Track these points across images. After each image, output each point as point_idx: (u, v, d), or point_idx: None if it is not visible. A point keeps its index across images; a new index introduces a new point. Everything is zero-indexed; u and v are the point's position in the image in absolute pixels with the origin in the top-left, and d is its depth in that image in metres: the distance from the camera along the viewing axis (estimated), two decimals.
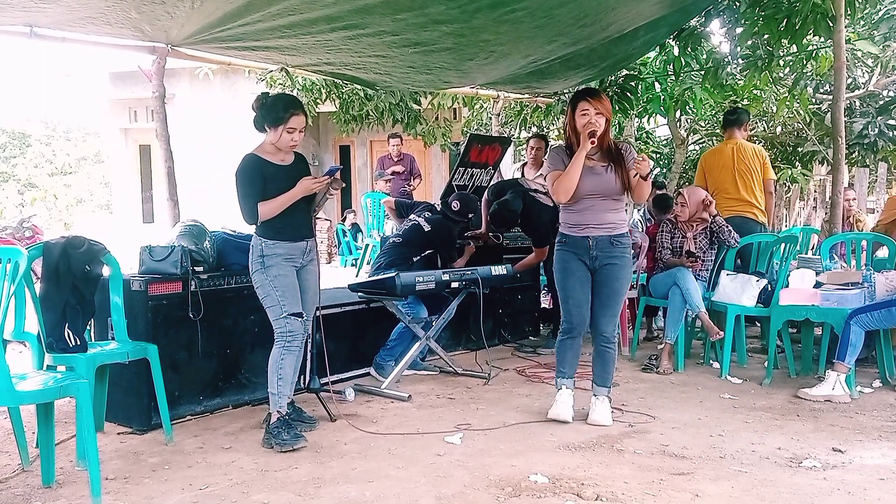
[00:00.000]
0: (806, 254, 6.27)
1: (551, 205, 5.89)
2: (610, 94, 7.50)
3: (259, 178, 3.74)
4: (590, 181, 3.97)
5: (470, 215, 5.51)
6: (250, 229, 3.89)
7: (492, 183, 6.46)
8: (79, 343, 3.55)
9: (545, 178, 4.31)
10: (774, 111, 9.55)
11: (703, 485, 3.17)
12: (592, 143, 3.92)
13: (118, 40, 4.84)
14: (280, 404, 3.76)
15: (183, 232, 4.26)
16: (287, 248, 3.80)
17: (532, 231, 6.01)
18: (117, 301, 3.87)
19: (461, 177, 6.63)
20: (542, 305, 6.81)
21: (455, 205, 5.38)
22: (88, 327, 3.82)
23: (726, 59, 7.33)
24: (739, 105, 8.30)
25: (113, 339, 3.91)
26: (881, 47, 8.59)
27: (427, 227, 5.27)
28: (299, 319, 3.80)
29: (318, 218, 4.21)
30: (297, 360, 3.83)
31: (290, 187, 3.76)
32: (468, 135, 7.47)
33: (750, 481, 3.21)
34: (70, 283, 3.56)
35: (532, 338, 6.49)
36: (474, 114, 11.91)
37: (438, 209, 5.52)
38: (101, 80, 14.53)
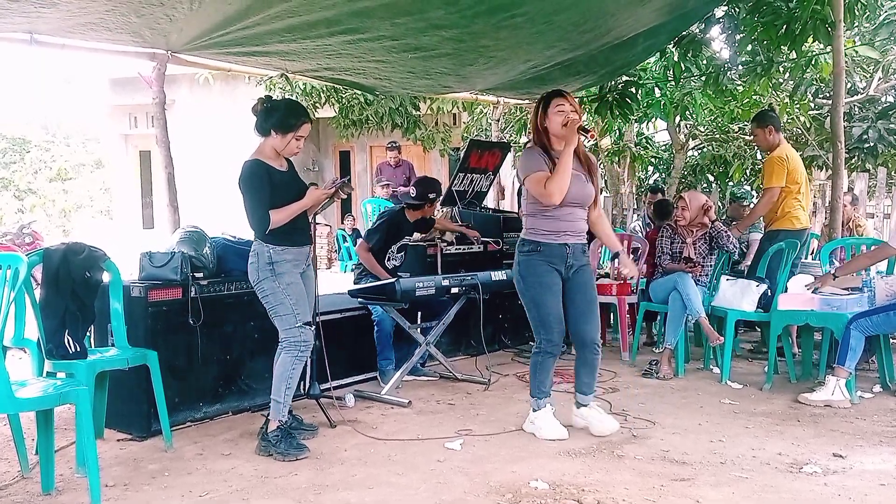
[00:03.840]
0: (806, 258, 6.28)
1: None
2: (610, 99, 7.51)
3: (268, 186, 3.70)
4: (574, 188, 3.80)
5: (431, 195, 5.32)
6: (250, 235, 3.86)
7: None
8: (78, 349, 3.54)
9: (522, 181, 3.98)
10: None
11: (703, 490, 3.16)
12: (592, 135, 3.87)
13: (118, 47, 4.83)
14: (283, 413, 3.74)
15: (183, 238, 4.26)
16: (295, 253, 3.79)
17: None
18: (117, 307, 3.87)
19: (461, 182, 6.63)
20: None
21: (413, 191, 5.37)
22: (88, 334, 3.81)
23: (726, 66, 7.34)
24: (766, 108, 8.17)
25: (113, 345, 3.91)
26: (882, 52, 8.59)
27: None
28: (311, 329, 3.79)
29: (318, 223, 4.20)
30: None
31: (292, 194, 3.75)
32: (468, 140, 7.48)
33: (750, 487, 3.21)
34: (70, 290, 3.55)
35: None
36: (474, 119, 11.91)
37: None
38: (101, 86, 14.55)
